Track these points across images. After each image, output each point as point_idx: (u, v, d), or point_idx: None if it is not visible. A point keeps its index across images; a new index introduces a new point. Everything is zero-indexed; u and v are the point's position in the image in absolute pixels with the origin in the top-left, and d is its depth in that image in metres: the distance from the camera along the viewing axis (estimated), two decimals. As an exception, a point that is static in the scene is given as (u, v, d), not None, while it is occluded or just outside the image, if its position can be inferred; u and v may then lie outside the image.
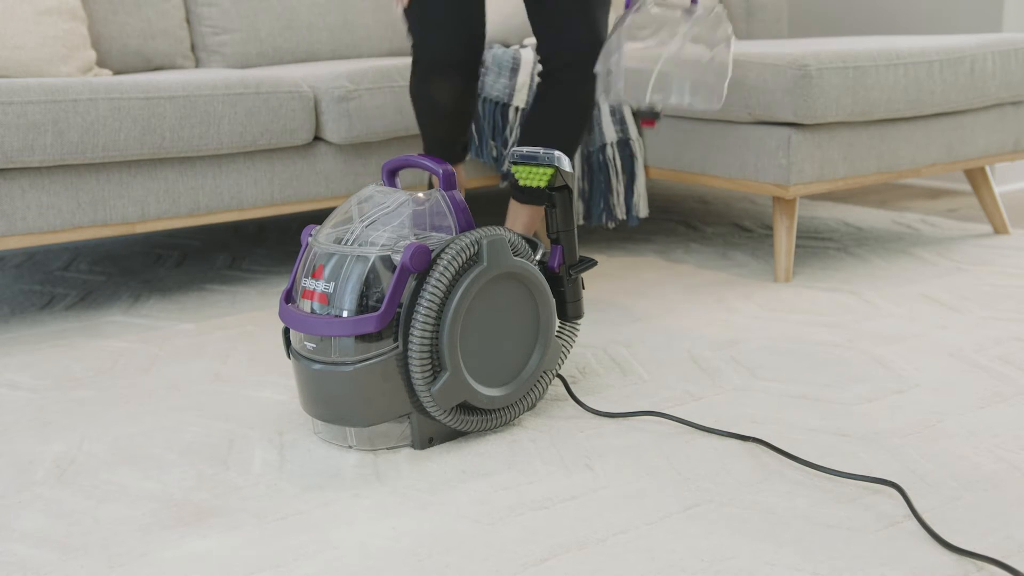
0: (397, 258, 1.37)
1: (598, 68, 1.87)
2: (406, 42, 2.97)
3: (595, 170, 2.50)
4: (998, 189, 3.28)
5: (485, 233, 1.41)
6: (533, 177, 1.53)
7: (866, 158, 2.30)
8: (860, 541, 1.16)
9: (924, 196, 3.26)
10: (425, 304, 1.35)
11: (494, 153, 2.47)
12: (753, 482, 1.31)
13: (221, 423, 1.56)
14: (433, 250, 1.38)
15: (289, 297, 1.46)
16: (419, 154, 1.52)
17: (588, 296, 2.18)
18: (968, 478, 1.30)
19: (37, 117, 1.94)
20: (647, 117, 1.90)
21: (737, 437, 1.44)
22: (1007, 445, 1.40)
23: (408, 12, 2.00)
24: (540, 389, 1.52)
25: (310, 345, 1.40)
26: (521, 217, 2.10)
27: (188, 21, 2.74)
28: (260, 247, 2.77)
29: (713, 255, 2.51)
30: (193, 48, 2.75)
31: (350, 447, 1.44)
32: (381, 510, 1.27)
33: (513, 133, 2.46)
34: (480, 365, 1.43)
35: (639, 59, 1.82)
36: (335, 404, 1.39)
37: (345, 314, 1.36)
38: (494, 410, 1.47)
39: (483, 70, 2.46)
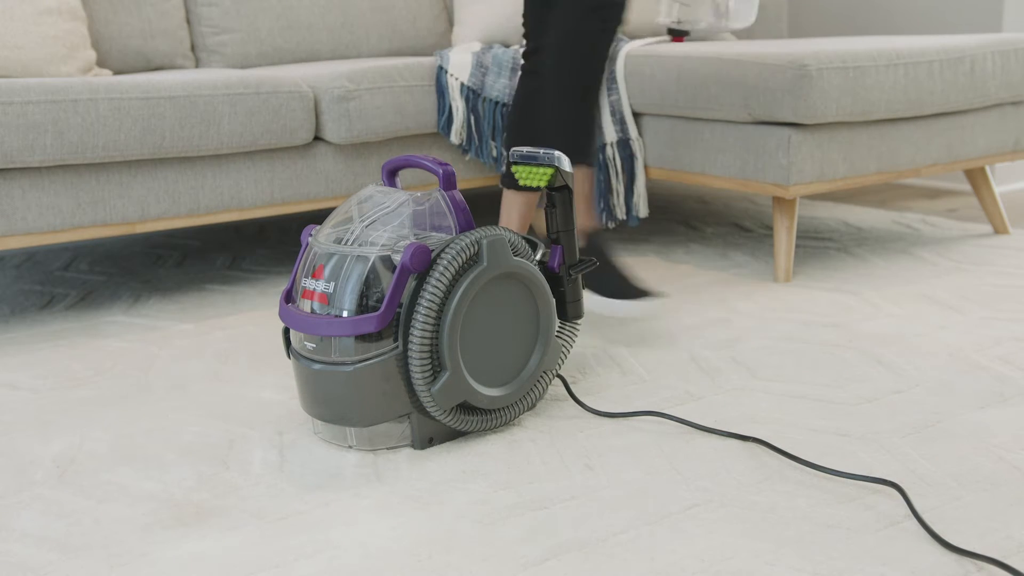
0: (397, 258, 1.37)
1: None
2: (406, 42, 2.97)
3: (595, 170, 2.50)
4: (998, 189, 3.28)
5: (485, 233, 1.41)
6: (533, 177, 1.53)
7: (866, 158, 2.30)
8: (860, 541, 1.16)
9: (924, 196, 3.26)
10: (425, 304, 1.35)
11: (494, 153, 2.47)
12: (753, 482, 1.31)
13: (221, 423, 1.56)
14: (433, 250, 1.38)
15: (289, 297, 1.46)
16: (419, 155, 1.52)
17: (588, 296, 2.17)
18: (968, 478, 1.30)
19: (37, 117, 1.94)
20: (676, 34, 1.91)
21: (737, 437, 1.44)
22: (1007, 445, 1.40)
23: None
24: (540, 389, 1.52)
25: (310, 345, 1.40)
26: (516, 206, 2.08)
27: (188, 21, 2.74)
28: (260, 247, 2.77)
29: (713, 255, 2.51)
30: (193, 48, 2.75)
31: (350, 447, 1.44)
32: (381, 510, 1.27)
33: (513, 133, 2.46)
34: (480, 365, 1.43)
35: None
36: (335, 404, 1.39)
37: (345, 314, 1.36)
38: (494, 410, 1.47)
39: (483, 70, 2.46)
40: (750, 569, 1.11)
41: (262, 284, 2.38)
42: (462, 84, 2.42)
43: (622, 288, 1.85)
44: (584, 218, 1.92)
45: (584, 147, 1.91)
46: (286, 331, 1.49)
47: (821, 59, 2.16)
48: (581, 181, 1.93)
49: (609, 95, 2.49)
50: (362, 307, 1.36)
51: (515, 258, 1.44)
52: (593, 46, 1.87)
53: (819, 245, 2.59)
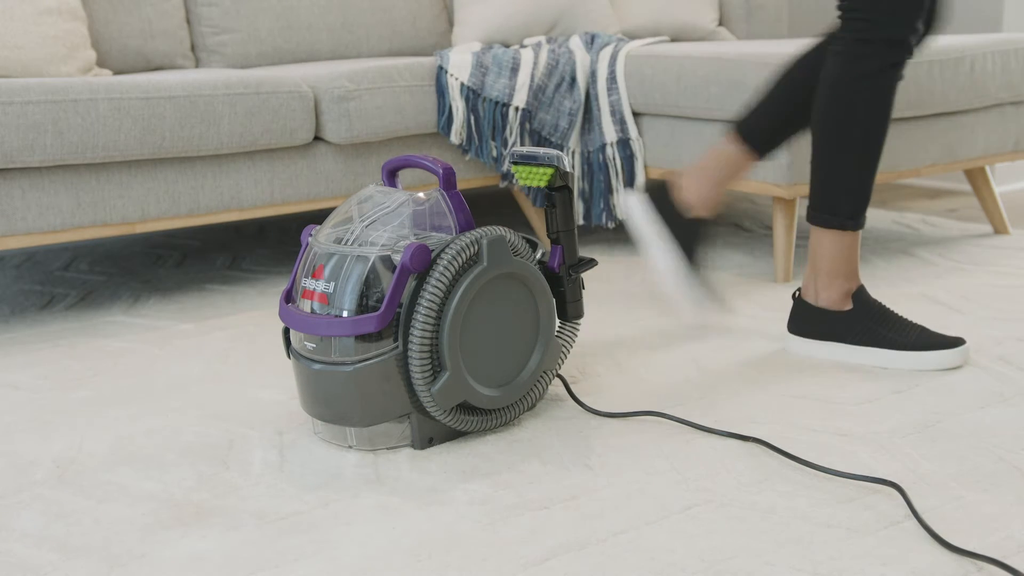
0: (397, 258, 1.37)
1: None
2: (406, 42, 2.97)
3: (595, 170, 2.50)
4: (998, 189, 3.28)
5: (485, 233, 1.41)
6: (533, 177, 1.53)
7: (866, 158, 2.30)
8: (860, 541, 1.16)
9: (924, 196, 3.26)
10: (425, 304, 1.35)
11: (494, 153, 2.47)
12: (753, 482, 1.31)
13: (221, 423, 1.56)
14: (433, 250, 1.38)
15: (289, 297, 1.46)
16: (419, 155, 1.52)
17: (588, 296, 2.18)
18: (968, 478, 1.30)
19: (37, 117, 1.94)
20: None
21: (737, 437, 1.43)
22: (1007, 445, 1.40)
23: None
24: (540, 389, 1.52)
25: (310, 345, 1.40)
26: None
27: (188, 21, 2.75)
28: (260, 247, 2.77)
29: (713, 255, 2.51)
30: (193, 48, 2.75)
31: (350, 447, 1.44)
32: (381, 510, 1.27)
33: (513, 133, 2.46)
34: (480, 365, 1.43)
35: None
36: (335, 404, 1.39)
37: (345, 314, 1.36)
38: (494, 410, 1.47)
39: (483, 70, 2.46)
40: (750, 569, 1.11)
41: (262, 284, 2.38)
42: (462, 84, 2.42)
43: (924, 340, 1.68)
44: (847, 282, 1.73)
45: (846, 210, 1.70)
46: (286, 331, 1.49)
47: (821, 59, 2.15)
48: (846, 246, 1.72)
49: (609, 95, 2.49)
50: (362, 307, 1.36)
51: (515, 258, 1.44)
52: (868, 90, 1.65)
53: (819, 245, 2.59)
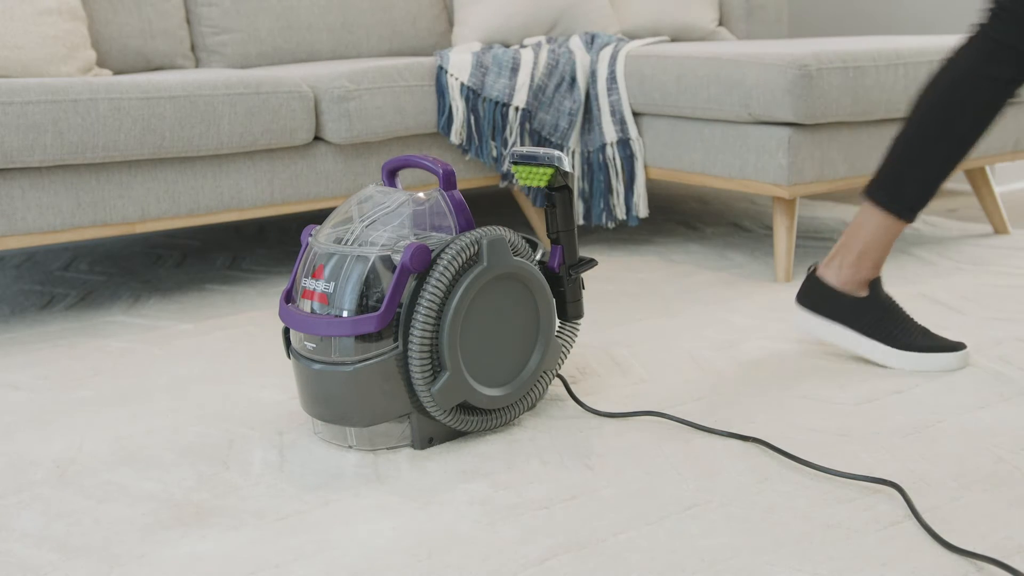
0: (397, 258, 1.37)
1: None
2: (406, 42, 2.97)
3: (595, 170, 2.50)
4: (998, 189, 3.28)
5: (485, 233, 1.41)
6: (533, 177, 1.53)
7: (866, 158, 2.30)
8: (860, 541, 1.16)
9: (924, 196, 3.25)
10: (425, 304, 1.35)
11: (494, 153, 2.47)
12: (753, 482, 1.31)
13: (221, 423, 1.56)
14: (433, 250, 1.38)
15: (289, 297, 1.46)
16: (419, 155, 1.52)
17: (588, 296, 2.18)
18: (968, 478, 1.30)
19: (37, 117, 1.94)
20: None
21: (737, 437, 1.43)
22: (1007, 445, 1.40)
23: None
24: (540, 389, 1.52)
25: (310, 345, 1.40)
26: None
27: (188, 21, 2.74)
28: (260, 247, 2.77)
29: (713, 255, 2.51)
30: (193, 48, 2.75)
31: (350, 447, 1.44)
32: (381, 510, 1.27)
33: (513, 133, 2.46)
34: (480, 365, 1.43)
35: None
36: (335, 404, 1.39)
37: (345, 314, 1.36)
38: (494, 410, 1.47)
39: (483, 70, 2.46)
40: (750, 569, 1.11)
41: (262, 284, 2.38)
42: (462, 84, 2.42)
43: (926, 341, 1.68)
44: (872, 270, 1.72)
45: (908, 199, 1.67)
46: (286, 331, 1.49)
47: (821, 59, 2.16)
48: (890, 233, 1.69)
49: (609, 95, 2.49)
50: (362, 307, 1.36)
51: (515, 258, 1.44)
52: (986, 93, 1.61)
53: (819, 245, 2.59)
